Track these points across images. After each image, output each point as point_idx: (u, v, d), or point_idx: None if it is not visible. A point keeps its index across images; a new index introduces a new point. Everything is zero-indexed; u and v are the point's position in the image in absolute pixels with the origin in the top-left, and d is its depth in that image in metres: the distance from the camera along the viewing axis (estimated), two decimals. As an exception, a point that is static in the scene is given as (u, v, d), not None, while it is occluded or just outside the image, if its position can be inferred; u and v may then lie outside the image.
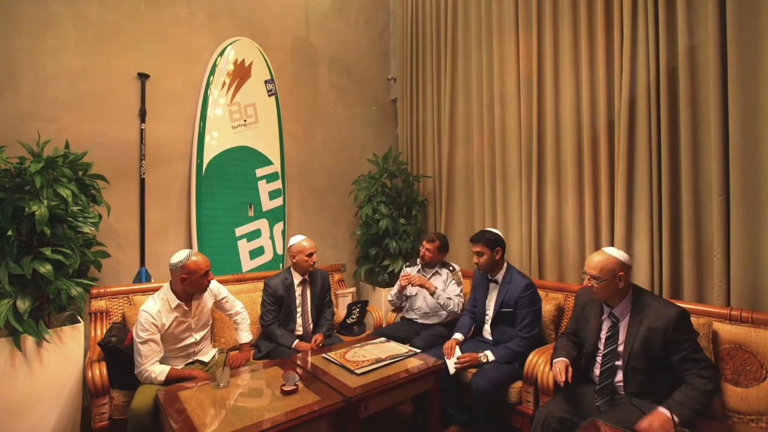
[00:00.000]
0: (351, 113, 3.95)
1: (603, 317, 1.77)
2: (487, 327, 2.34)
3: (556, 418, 1.63)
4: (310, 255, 2.52)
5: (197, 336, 2.08)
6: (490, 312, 2.32)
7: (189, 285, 1.96)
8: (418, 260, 2.80)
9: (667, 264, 2.17)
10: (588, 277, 1.68)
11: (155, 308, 1.91)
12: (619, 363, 1.68)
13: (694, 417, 1.47)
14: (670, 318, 1.56)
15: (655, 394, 1.60)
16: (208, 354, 2.17)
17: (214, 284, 2.18)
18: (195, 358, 2.10)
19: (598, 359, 1.75)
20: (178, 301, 1.97)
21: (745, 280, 1.89)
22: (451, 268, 2.72)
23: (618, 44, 2.35)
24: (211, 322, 2.23)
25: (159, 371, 1.85)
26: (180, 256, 1.95)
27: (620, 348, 1.68)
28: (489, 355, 2.12)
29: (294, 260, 2.55)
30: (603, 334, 1.76)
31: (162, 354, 1.93)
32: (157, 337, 1.89)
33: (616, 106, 2.36)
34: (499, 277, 2.30)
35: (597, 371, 1.74)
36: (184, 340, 2.03)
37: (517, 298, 2.19)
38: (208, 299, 2.15)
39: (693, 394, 1.48)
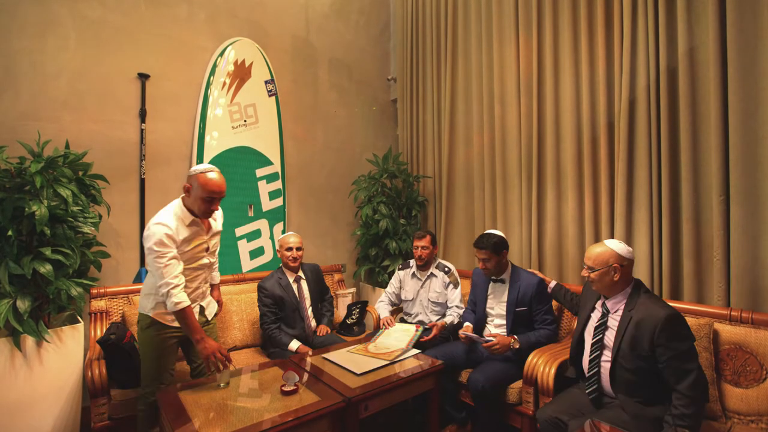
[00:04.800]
0: (351, 113, 3.95)
1: (595, 306, 1.80)
2: (489, 328, 2.32)
3: (554, 418, 1.65)
4: (289, 249, 2.52)
5: (208, 260, 1.90)
6: (496, 313, 2.29)
7: (190, 200, 1.75)
8: (412, 262, 2.78)
9: (667, 264, 2.17)
10: (586, 267, 1.73)
11: (173, 223, 1.72)
12: (607, 360, 1.69)
13: None
14: (657, 319, 1.52)
15: (642, 394, 1.59)
16: (210, 306, 2.02)
17: (221, 218, 2.01)
18: (200, 303, 1.93)
19: (587, 348, 1.77)
20: (192, 217, 1.78)
21: (745, 281, 1.89)
22: (446, 269, 2.68)
23: (618, 44, 2.35)
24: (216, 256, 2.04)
25: (182, 300, 1.68)
26: (200, 167, 1.76)
27: (609, 342, 1.69)
28: (518, 341, 2.12)
29: (279, 254, 2.59)
30: (592, 323, 1.78)
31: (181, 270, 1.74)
32: (177, 254, 1.72)
33: (616, 106, 2.36)
34: (506, 276, 2.28)
35: (586, 361, 1.76)
36: (200, 259, 1.85)
37: (531, 296, 2.19)
38: (219, 226, 1.97)
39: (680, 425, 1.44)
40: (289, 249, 2.52)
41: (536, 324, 2.22)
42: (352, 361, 2.02)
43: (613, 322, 1.69)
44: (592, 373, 1.71)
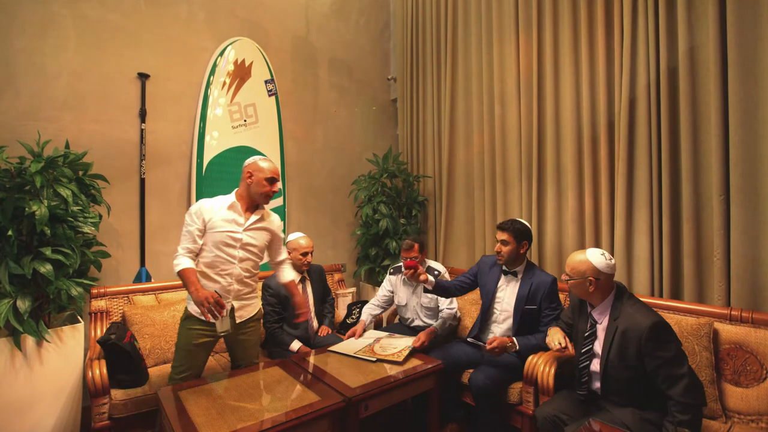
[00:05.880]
0: (351, 113, 3.95)
1: (588, 317, 1.78)
2: (494, 328, 2.23)
3: (552, 416, 1.66)
4: (305, 254, 2.51)
5: (241, 254, 1.87)
6: (503, 308, 2.20)
7: (253, 185, 1.86)
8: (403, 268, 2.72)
9: (667, 264, 2.17)
10: (565, 273, 1.72)
11: (210, 203, 1.87)
12: (596, 369, 1.68)
13: None
14: (642, 329, 1.51)
15: (635, 402, 1.59)
16: (244, 309, 1.95)
17: (278, 222, 2.05)
18: (231, 302, 1.89)
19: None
20: (234, 200, 1.88)
21: (745, 281, 1.89)
22: (436, 272, 2.62)
23: (618, 44, 2.35)
24: (257, 269, 1.98)
25: (180, 262, 1.76)
26: (252, 158, 1.93)
27: (598, 351, 1.68)
28: (516, 343, 2.04)
29: (289, 257, 2.55)
30: (583, 334, 1.77)
31: (196, 249, 1.82)
32: (196, 229, 1.81)
33: (616, 106, 2.36)
34: (519, 270, 2.19)
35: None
36: (230, 247, 1.85)
37: (544, 295, 2.11)
38: (269, 226, 1.99)
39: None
40: (305, 254, 2.50)
41: (542, 326, 2.13)
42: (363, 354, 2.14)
43: (601, 332, 1.68)
44: (583, 381, 1.72)
